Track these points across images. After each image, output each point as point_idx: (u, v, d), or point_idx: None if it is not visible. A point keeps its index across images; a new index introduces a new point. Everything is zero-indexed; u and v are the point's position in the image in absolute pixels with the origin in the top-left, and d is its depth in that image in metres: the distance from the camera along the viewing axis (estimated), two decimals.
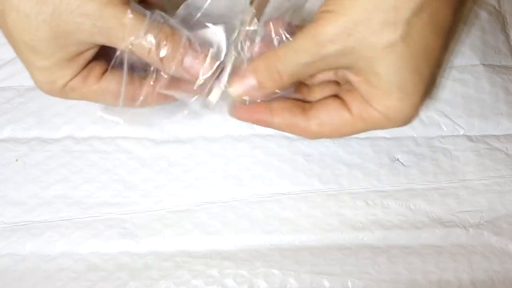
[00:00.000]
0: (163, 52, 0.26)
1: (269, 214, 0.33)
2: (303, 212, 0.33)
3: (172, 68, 0.26)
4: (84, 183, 0.33)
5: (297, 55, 0.26)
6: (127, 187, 0.33)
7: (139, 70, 0.28)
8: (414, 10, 0.24)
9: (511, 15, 0.40)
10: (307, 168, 0.34)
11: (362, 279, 0.31)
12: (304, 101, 0.30)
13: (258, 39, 0.28)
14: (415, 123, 0.36)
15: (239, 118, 0.30)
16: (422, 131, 0.36)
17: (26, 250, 0.32)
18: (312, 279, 0.31)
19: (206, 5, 0.28)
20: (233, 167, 0.34)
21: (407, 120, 0.27)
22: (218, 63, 0.27)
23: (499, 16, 0.40)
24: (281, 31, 0.28)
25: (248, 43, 0.28)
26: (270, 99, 0.29)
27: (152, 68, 0.27)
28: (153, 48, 0.26)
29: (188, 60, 0.27)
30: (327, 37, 0.24)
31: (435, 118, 0.36)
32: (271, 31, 0.28)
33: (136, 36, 0.25)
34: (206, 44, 0.27)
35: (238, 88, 0.28)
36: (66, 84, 0.27)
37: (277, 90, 0.28)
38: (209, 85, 0.28)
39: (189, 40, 0.27)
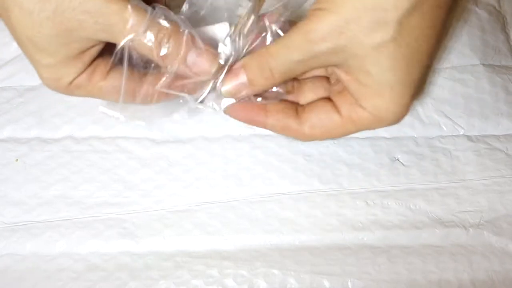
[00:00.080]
0: (164, 49, 0.26)
1: (269, 214, 0.33)
2: (303, 212, 0.33)
3: (175, 65, 0.26)
4: (84, 183, 0.33)
5: (288, 52, 0.26)
6: (127, 187, 0.33)
7: (141, 67, 0.28)
8: (406, 10, 0.24)
9: (511, 15, 0.40)
10: (307, 168, 0.34)
11: (362, 279, 0.31)
12: (298, 103, 0.30)
13: (251, 35, 0.28)
14: (415, 123, 0.36)
15: (233, 116, 0.30)
16: (422, 131, 0.36)
17: (26, 250, 0.32)
18: (312, 279, 0.31)
19: (209, 2, 0.28)
20: (233, 167, 0.34)
21: (396, 119, 0.27)
22: (223, 60, 0.27)
23: (499, 16, 0.40)
24: (273, 27, 0.28)
25: (242, 39, 0.28)
26: (265, 101, 0.29)
27: (153, 65, 0.27)
28: (154, 44, 0.26)
29: (192, 57, 0.27)
30: (319, 35, 0.25)
31: (435, 118, 0.36)
32: (264, 27, 0.28)
33: (136, 32, 0.25)
34: (211, 42, 0.27)
35: (229, 85, 0.28)
36: (72, 82, 0.27)
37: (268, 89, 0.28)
38: (210, 83, 0.28)
39: (192, 36, 0.26)
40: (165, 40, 0.26)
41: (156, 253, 0.32)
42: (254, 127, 0.34)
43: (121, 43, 0.25)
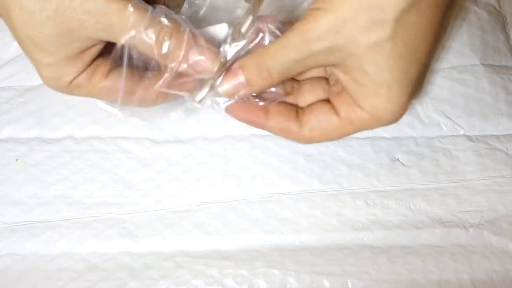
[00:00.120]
0: (165, 48, 0.26)
1: (269, 214, 0.33)
2: (303, 212, 0.33)
3: (177, 64, 0.26)
4: (84, 183, 0.33)
5: (286, 52, 0.26)
6: (127, 187, 0.33)
7: (141, 68, 0.28)
8: (403, 9, 0.24)
9: (511, 15, 0.40)
10: (307, 168, 0.34)
11: (362, 279, 0.31)
12: (297, 105, 0.30)
13: (249, 36, 0.28)
14: (415, 123, 0.36)
15: (234, 116, 0.30)
16: (422, 131, 0.36)
17: (26, 250, 0.32)
18: (312, 279, 0.31)
19: (208, 2, 0.28)
20: (233, 167, 0.34)
21: (394, 119, 0.27)
22: (224, 60, 0.27)
23: (499, 16, 0.40)
24: (271, 28, 0.28)
25: (241, 39, 0.28)
26: (265, 103, 0.29)
27: (152, 65, 0.27)
28: (155, 42, 0.26)
29: (193, 56, 0.27)
30: (316, 34, 0.25)
31: (435, 118, 0.36)
32: (261, 28, 0.28)
33: (137, 31, 0.25)
34: (211, 42, 0.27)
35: (227, 85, 0.28)
36: (72, 81, 0.27)
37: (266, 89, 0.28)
38: (209, 82, 0.28)
39: (193, 35, 0.26)
40: (166, 38, 0.26)
41: (156, 253, 0.32)
42: (254, 127, 0.34)
43: (121, 40, 0.25)
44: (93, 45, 0.26)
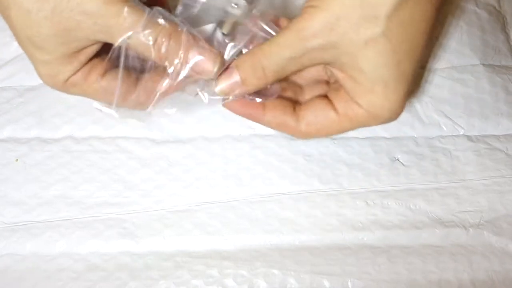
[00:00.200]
0: (163, 49, 0.26)
1: (269, 214, 0.33)
2: (303, 212, 0.33)
3: (178, 67, 0.26)
4: (84, 183, 0.33)
5: (281, 50, 0.26)
6: (127, 187, 0.33)
7: (137, 69, 0.28)
8: (394, 5, 0.24)
9: (511, 15, 0.40)
10: (307, 168, 0.34)
11: (362, 279, 0.31)
12: (296, 101, 0.30)
13: (244, 35, 0.28)
14: (415, 123, 0.36)
15: (231, 110, 0.30)
16: (422, 131, 0.36)
17: (26, 250, 0.32)
18: (312, 279, 0.31)
19: (202, 2, 0.28)
20: (233, 167, 0.34)
21: (392, 116, 0.27)
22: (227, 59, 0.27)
23: (499, 16, 0.40)
24: (265, 26, 0.28)
25: (235, 38, 0.28)
26: (262, 100, 0.29)
27: (149, 65, 0.27)
28: (152, 43, 0.26)
29: (193, 57, 0.27)
30: (311, 32, 0.25)
31: (435, 118, 0.36)
32: (255, 26, 0.28)
33: (134, 32, 0.25)
34: (211, 42, 0.27)
35: (223, 84, 0.28)
36: (67, 79, 0.27)
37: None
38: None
39: (192, 36, 0.26)
40: (164, 39, 0.26)
41: (156, 253, 0.32)
42: (254, 127, 0.34)
43: (118, 42, 0.25)
44: (90, 45, 0.26)
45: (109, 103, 0.29)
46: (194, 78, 0.27)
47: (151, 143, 0.35)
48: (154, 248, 0.32)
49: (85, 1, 0.24)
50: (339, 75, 0.27)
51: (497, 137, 0.36)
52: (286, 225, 0.32)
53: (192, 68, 0.27)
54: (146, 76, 0.28)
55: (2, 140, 0.34)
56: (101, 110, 0.29)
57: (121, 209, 0.33)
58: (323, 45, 0.25)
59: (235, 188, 0.33)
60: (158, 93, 0.27)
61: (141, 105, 0.29)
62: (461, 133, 0.36)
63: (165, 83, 0.27)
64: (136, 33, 0.25)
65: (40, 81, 0.27)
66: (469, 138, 0.36)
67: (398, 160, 0.35)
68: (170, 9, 0.28)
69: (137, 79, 0.28)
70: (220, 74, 0.28)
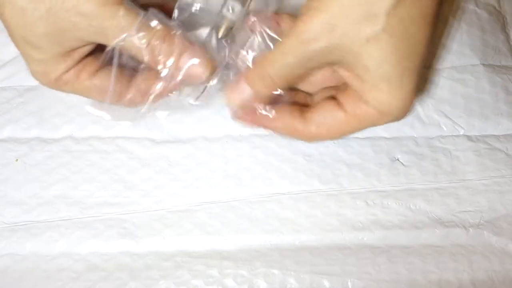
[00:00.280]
0: (156, 51, 0.26)
1: (269, 214, 0.33)
2: (303, 212, 0.33)
3: (170, 70, 0.26)
4: (84, 183, 0.33)
5: (285, 57, 0.26)
6: (127, 187, 0.33)
7: (131, 67, 0.28)
8: (393, 2, 0.24)
9: (511, 15, 0.40)
10: (307, 168, 0.34)
11: (362, 279, 0.31)
12: (304, 105, 0.30)
13: (240, 37, 0.28)
14: (415, 123, 0.36)
15: (241, 123, 0.30)
16: (422, 131, 0.36)
17: (26, 250, 0.31)
18: (312, 279, 0.31)
19: (198, 7, 0.28)
20: (233, 167, 0.34)
21: (400, 114, 0.27)
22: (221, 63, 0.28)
23: (499, 16, 0.40)
24: (261, 28, 0.28)
25: (232, 41, 0.28)
26: (270, 107, 0.29)
27: (142, 66, 0.27)
28: (146, 47, 0.26)
29: (186, 61, 0.27)
30: (311, 35, 0.25)
31: (435, 118, 0.36)
32: (252, 29, 0.28)
33: (128, 34, 0.25)
34: (206, 46, 0.27)
35: (236, 99, 0.28)
36: (59, 77, 0.27)
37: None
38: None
39: (187, 39, 0.26)
40: (157, 42, 0.26)
41: (156, 253, 0.32)
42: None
43: (112, 44, 0.25)
44: (85, 45, 0.26)
45: (102, 101, 0.29)
46: (187, 81, 0.27)
47: (151, 143, 0.35)
48: (154, 248, 0.32)
49: (80, 3, 0.24)
50: (345, 74, 0.27)
51: (497, 137, 0.36)
52: (286, 225, 0.32)
53: (184, 72, 0.27)
54: (140, 76, 0.28)
55: (2, 140, 0.34)
56: (93, 114, 0.29)
57: (121, 209, 0.33)
58: (325, 47, 0.25)
59: (235, 188, 0.33)
60: (151, 96, 0.27)
61: (134, 104, 0.29)
62: (461, 133, 0.36)
63: (158, 86, 0.27)
64: (130, 35, 0.25)
65: None
66: (469, 138, 0.36)
67: (398, 160, 0.35)
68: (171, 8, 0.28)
69: (131, 77, 0.28)
70: (230, 90, 0.28)
